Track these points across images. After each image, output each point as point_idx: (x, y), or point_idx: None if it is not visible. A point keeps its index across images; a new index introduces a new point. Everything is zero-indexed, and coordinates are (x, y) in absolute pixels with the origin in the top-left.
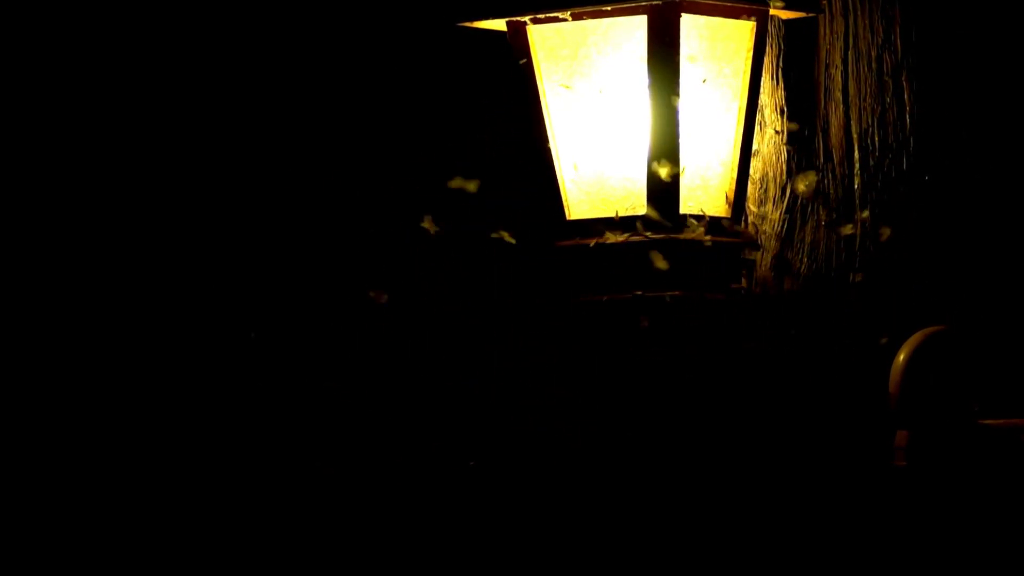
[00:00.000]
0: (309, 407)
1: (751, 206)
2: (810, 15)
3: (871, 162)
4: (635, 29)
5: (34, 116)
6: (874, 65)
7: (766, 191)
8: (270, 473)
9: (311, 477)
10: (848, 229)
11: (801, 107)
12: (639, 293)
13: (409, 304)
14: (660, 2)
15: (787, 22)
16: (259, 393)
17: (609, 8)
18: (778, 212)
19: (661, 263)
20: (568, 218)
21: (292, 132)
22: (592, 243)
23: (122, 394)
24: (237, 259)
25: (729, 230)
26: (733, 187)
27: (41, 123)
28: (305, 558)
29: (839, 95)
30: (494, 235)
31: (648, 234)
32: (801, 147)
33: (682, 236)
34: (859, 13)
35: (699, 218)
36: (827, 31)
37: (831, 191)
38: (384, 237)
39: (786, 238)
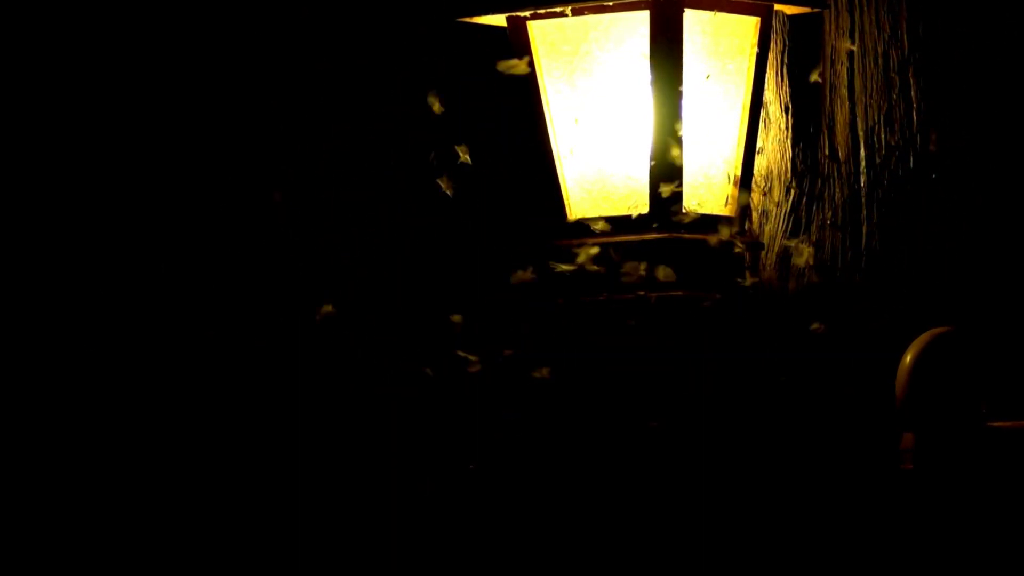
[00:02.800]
0: (308, 409)
1: (755, 204)
2: (815, 10)
3: (877, 160)
4: (637, 25)
5: (33, 116)
6: (880, 61)
7: (770, 189)
8: (268, 476)
9: (310, 480)
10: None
11: (806, 104)
12: (641, 293)
13: (408, 304)
14: None
15: (792, 17)
16: (257, 394)
17: (611, 3)
18: (782, 211)
19: (663, 263)
20: (569, 217)
21: (289, 130)
22: (593, 242)
23: (115, 393)
24: (234, 259)
25: (733, 229)
26: (737, 186)
27: (39, 123)
28: (304, 561)
29: (845, 92)
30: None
31: (650, 233)
32: (806, 145)
33: (685, 235)
34: (865, 8)
35: (702, 217)
36: (833, 26)
37: (836, 190)
38: (383, 236)
39: (791, 237)
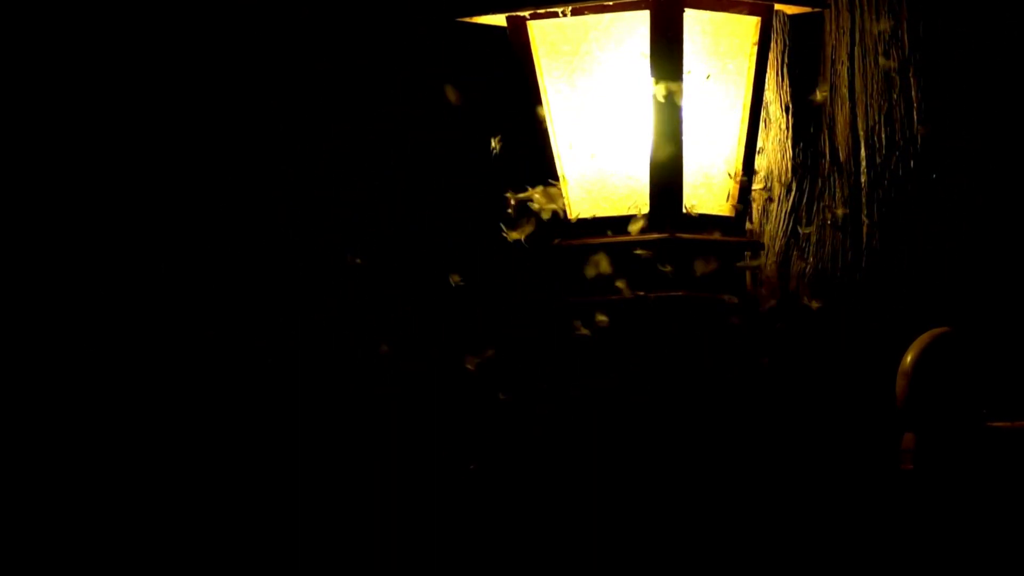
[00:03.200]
0: (308, 409)
1: (755, 205)
2: (815, 10)
3: (878, 160)
4: (637, 25)
5: (33, 117)
6: (881, 61)
7: (771, 190)
8: (268, 476)
9: (310, 480)
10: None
11: (807, 104)
12: (641, 293)
13: (408, 303)
14: None
15: (792, 17)
16: (257, 394)
17: (611, 3)
18: (783, 211)
19: (664, 263)
20: (569, 217)
21: (289, 130)
22: (593, 242)
23: (115, 393)
24: (234, 259)
25: (733, 229)
26: (737, 186)
27: (39, 124)
28: (304, 561)
29: (845, 91)
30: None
31: (651, 234)
32: (806, 145)
33: (685, 236)
34: (866, 8)
35: (702, 217)
36: (833, 26)
37: (837, 189)
38: (383, 235)
39: (791, 237)
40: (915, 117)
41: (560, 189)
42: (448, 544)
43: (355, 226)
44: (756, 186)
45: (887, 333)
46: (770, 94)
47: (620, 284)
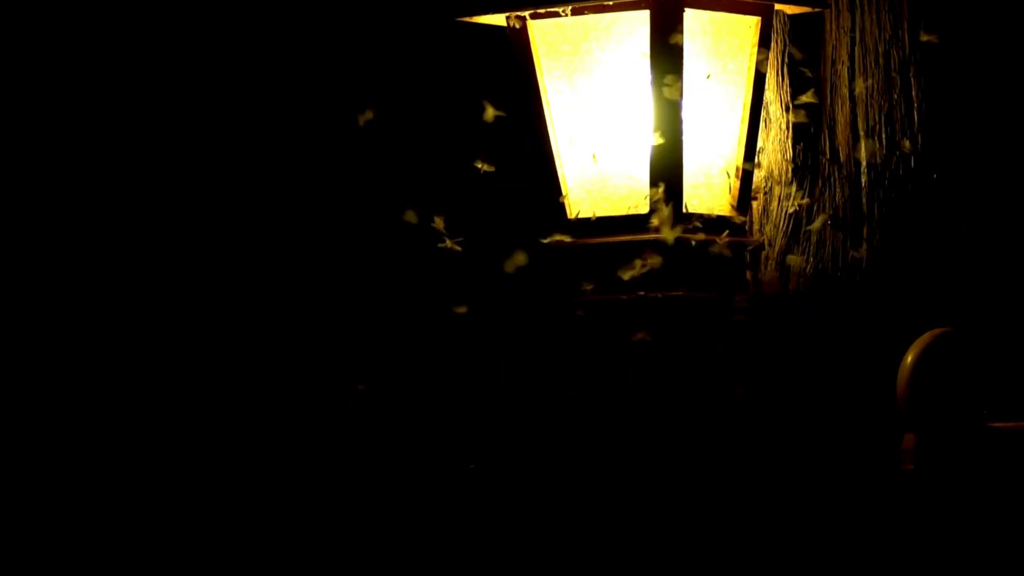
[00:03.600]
0: (308, 409)
1: (755, 205)
2: (816, 10)
3: (877, 160)
4: (637, 25)
5: (33, 117)
6: (881, 61)
7: (771, 189)
8: (268, 476)
9: (310, 480)
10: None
11: (807, 104)
12: (641, 293)
13: (408, 303)
14: None
15: (792, 17)
16: (257, 394)
17: (611, 3)
18: (783, 211)
19: (664, 263)
20: (569, 216)
21: (289, 130)
22: (593, 242)
23: (115, 393)
24: (233, 259)
25: (733, 229)
26: (737, 185)
27: (39, 124)
28: (304, 561)
29: (845, 92)
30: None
31: (651, 233)
32: (807, 145)
33: (685, 235)
34: (866, 8)
35: (703, 217)
36: (833, 26)
37: (837, 189)
38: (383, 235)
39: (791, 237)
40: (915, 117)
41: (561, 188)
42: (448, 544)
43: (355, 226)
44: (756, 186)
45: (887, 333)
46: (770, 94)
47: (620, 284)
